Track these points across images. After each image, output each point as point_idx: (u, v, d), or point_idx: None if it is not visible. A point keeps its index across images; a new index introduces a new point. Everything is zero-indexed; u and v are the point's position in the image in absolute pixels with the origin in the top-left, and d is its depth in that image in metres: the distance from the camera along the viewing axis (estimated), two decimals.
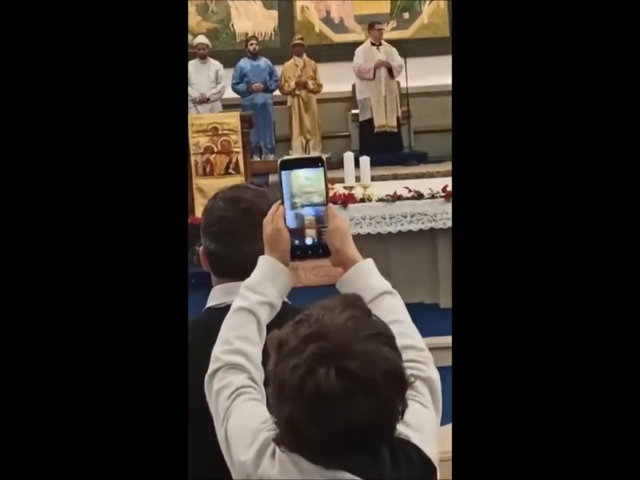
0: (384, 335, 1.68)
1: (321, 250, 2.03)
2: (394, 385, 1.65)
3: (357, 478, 1.64)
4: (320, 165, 2.06)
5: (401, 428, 1.72)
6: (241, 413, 1.82)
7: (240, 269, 2.24)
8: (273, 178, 10.09)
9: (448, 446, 2.11)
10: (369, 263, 2.03)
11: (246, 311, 1.95)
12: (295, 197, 2.03)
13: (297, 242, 2.02)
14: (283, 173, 2.03)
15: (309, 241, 2.03)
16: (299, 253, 2.03)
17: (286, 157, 2.12)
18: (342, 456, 1.66)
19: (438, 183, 8.61)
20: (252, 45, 12.37)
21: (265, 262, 2.02)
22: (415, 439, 1.74)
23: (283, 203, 2.02)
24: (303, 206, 2.03)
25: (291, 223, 2.02)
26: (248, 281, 2.01)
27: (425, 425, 1.80)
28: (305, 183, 2.04)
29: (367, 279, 2.00)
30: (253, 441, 1.76)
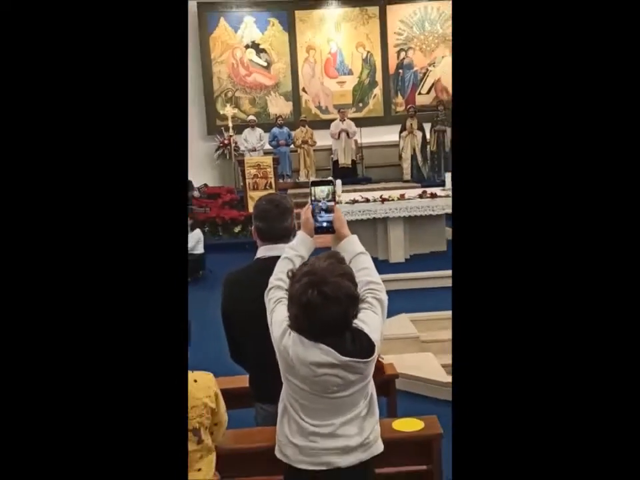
0: (348, 274, 1.77)
1: (330, 229, 1.99)
2: (350, 301, 1.72)
3: (329, 348, 1.71)
4: (331, 183, 2.05)
5: (358, 323, 1.77)
6: (277, 311, 1.82)
7: (274, 237, 2.24)
8: (290, 192, 10.07)
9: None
10: (354, 237, 2.01)
11: (288, 259, 1.93)
12: (317, 200, 2.00)
13: (317, 224, 1.99)
14: (312, 187, 2.02)
15: (324, 224, 1.99)
16: (319, 230, 2.00)
17: (314, 179, 2.14)
18: (322, 335, 1.72)
19: (377, 193, 8.53)
20: (279, 120, 12.19)
21: (300, 234, 2.01)
22: (366, 329, 1.76)
23: (311, 204, 2.00)
24: (321, 204, 2.00)
25: (315, 213, 1.99)
26: (290, 244, 2.01)
27: (373, 323, 1.78)
28: (323, 193, 2.01)
29: (352, 245, 1.97)
30: (280, 325, 1.78)
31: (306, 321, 1.72)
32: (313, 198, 2.01)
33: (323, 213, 2.00)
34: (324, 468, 1.78)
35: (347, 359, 1.70)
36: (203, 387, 1.90)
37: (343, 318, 1.72)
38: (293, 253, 1.95)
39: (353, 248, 1.97)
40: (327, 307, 1.68)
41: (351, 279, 1.75)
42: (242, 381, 2.35)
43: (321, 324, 1.70)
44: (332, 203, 2.01)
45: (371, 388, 1.85)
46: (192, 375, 1.90)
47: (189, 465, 1.83)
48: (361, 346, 1.73)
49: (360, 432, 1.80)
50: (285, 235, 2.24)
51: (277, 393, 1.89)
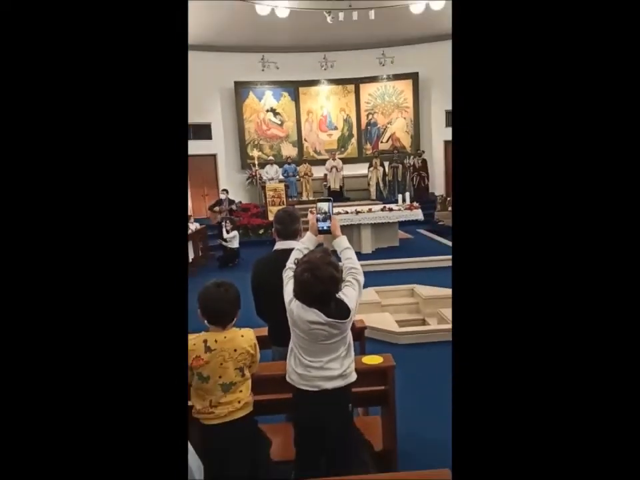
0: (333, 263, 1.72)
1: (328, 231, 1.95)
2: (332, 282, 1.67)
3: (319, 312, 1.68)
4: (330, 201, 2.00)
5: (341, 295, 1.73)
6: (288, 285, 1.77)
7: (287, 235, 2.20)
8: (296, 207, 10.01)
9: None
10: (344, 237, 1.96)
11: (299, 250, 1.88)
12: (321, 211, 1.96)
13: (320, 228, 1.95)
14: (318, 203, 1.97)
15: (324, 227, 1.95)
16: (321, 232, 1.96)
17: (320, 198, 2.10)
18: (314, 304, 1.68)
19: (353, 208, 8.36)
20: (288, 160, 12.11)
21: (308, 234, 1.96)
22: (345, 300, 1.73)
23: (317, 213, 1.96)
24: (323, 214, 1.96)
25: (319, 220, 1.95)
26: (301, 240, 1.96)
27: (351, 296, 1.75)
28: (324, 206, 1.96)
29: (342, 242, 1.93)
30: (289, 295, 1.74)
31: (302, 293, 1.70)
32: (317, 210, 1.98)
33: (324, 220, 1.97)
34: (316, 389, 1.77)
35: (331, 319, 1.69)
36: (247, 339, 1.87)
37: (327, 292, 1.70)
38: (302, 246, 1.93)
39: (342, 244, 1.94)
40: (316, 284, 1.66)
41: (335, 267, 1.72)
42: (262, 331, 2.34)
43: (312, 295, 1.69)
44: (330, 213, 1.98)
45: (349, 338, 1.84)
46: (239, 332, 1.88)
47: (234, 390, 1.84)
48: (341, 311, 1.72)
49: (340, 367, 1.78)
50: (294, 234, 2.22)
51: (287, 339, 1.87)
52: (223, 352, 1.81)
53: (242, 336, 1.88)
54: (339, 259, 1.88)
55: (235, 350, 1.83)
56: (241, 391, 1.87)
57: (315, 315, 1.70)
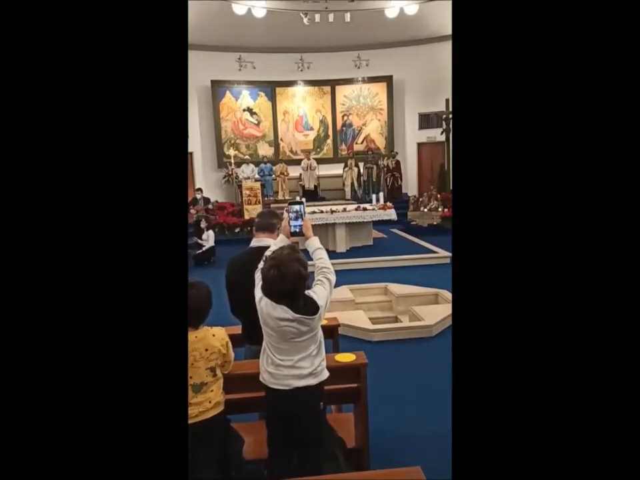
0: (300, 260, 1.68)
1: (300, 232, 1.93)
2: (297, 278, 1.64)
3: (287, 308, 1.65)
4: (302, 203, 1.97)
5: (311, 292, 1.71)
6: (258, 285, 1.75)
7: (263, 228, 2.21)
8: (272, 206, 9.93)
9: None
10: (316, 238, 1.94)
11: (271, 250, 1.82)
12: (292, 213, 1.92)
13: (292, 229, 1.92)
14: (289, 205, 1.94)
15: (296, 229, 1.93)
16: (293, 234, 1.93)
17: (290, 200, 2.08)
18: (282, 300, 1.66)
19: (328, 207, 8.35)
20: (265, 159, 12.05)
21: (281, 236, 1.94)
22: (315, 297, 1.70)
23: (288, 215, 1.93)
24: (295, 213, 1.93)
25: (290, 222, 1.92)
26: (274, 242, 1.93)
27: (321, 294, 1.74)
28: (296, 208, 1.93)
29: (314, 243, 1.92)
30: (259, 294, 1.71)
31: (269, 289, 1.67)
32: (289, 212, 1.94)
33: (295, 222, 1.94)
34: (286, 388, 1.75)
35: (298, 315, 1.67)
36: (218, 338, 1.84)
37: (294, 289, 1.67)
38: (275, 248, 1.87)
39: (314, 245, 1.92)
40: (282, 281, 1.64)
41: (301, 263, 1.68)
42: (236, 329, 2.29)
43: (279, 292, 1.66)
44: (302, 215, 1.96)
45: (320, 337, 1.81)
46: (211, 330, 1.84)
47: (205, 390, 1.79)
48: (309, 308, 1.70)
49: (311, 365, 1.76)
50: (270, 229, 2.24)
51: (261, 337, 1.83)
52: (193, 352, 1.77)
53: (213, 335, 1.84)
54: (311, 259, 1.85)
55: (206, 349, 1.79)
56: (212, 391, 1.83)
57: (282, 311, 1.67)
